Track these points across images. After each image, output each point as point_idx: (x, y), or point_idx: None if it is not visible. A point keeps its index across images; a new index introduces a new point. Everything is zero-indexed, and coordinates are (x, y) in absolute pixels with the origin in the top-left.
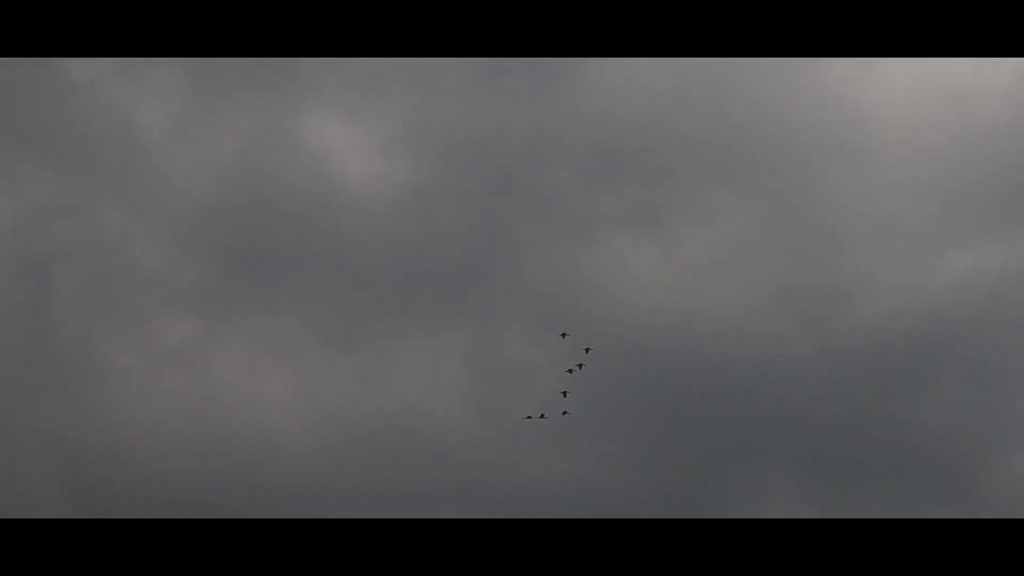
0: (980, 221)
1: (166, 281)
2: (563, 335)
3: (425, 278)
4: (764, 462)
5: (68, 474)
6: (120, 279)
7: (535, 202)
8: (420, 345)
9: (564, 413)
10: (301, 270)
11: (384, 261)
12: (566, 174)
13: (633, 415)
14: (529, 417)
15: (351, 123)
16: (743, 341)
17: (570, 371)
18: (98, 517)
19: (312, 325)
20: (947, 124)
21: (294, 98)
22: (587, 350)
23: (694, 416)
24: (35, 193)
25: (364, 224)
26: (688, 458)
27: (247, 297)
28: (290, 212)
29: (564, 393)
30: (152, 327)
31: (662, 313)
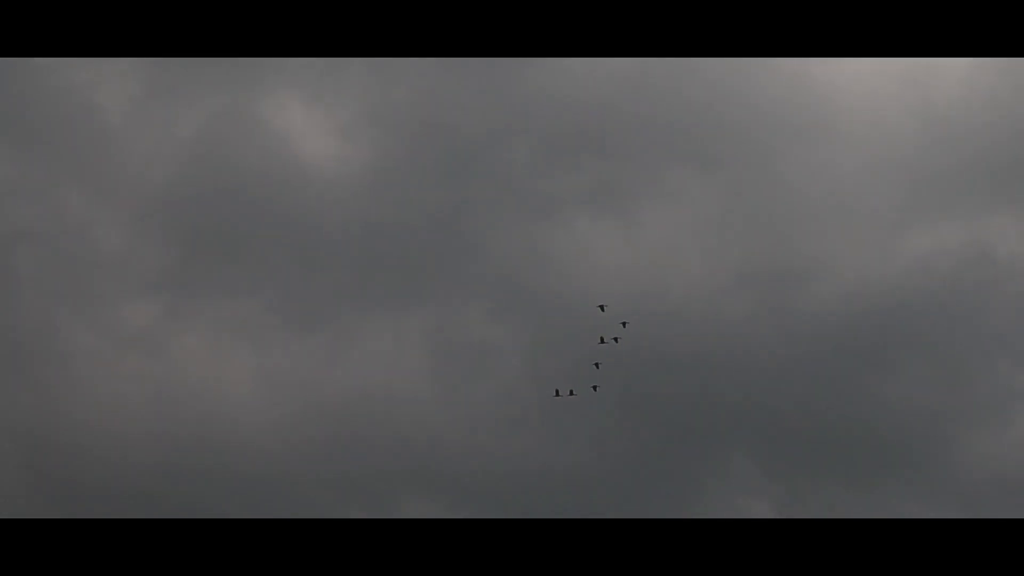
0: (940, 202)
1: (127, 264)
2: (601, 307)
3: (386, 259)
4: (726, 443)
5: (29, 456)
6: (81, 262)
7: (495, 183)
8: (381, 326)
9: (594, 388)
10: (262, 252)
11: (344, 243)
12: (526, 155)
13: (593, 396)
14: (558, 394)
15: (311, 105)
16: (704, 322)
17: (602, 341)
18: (60, 505)
19: (273, 307)
20: (907, 106)
21: (254, 80)
22: (624, 324)
23: (655, 398)
24: None
25: (324, 206)
26: (649, 440)
27: (208, 279)
28: (251, 194)
29: (596, 364)
30: (114, 310)
31: (623, 294)
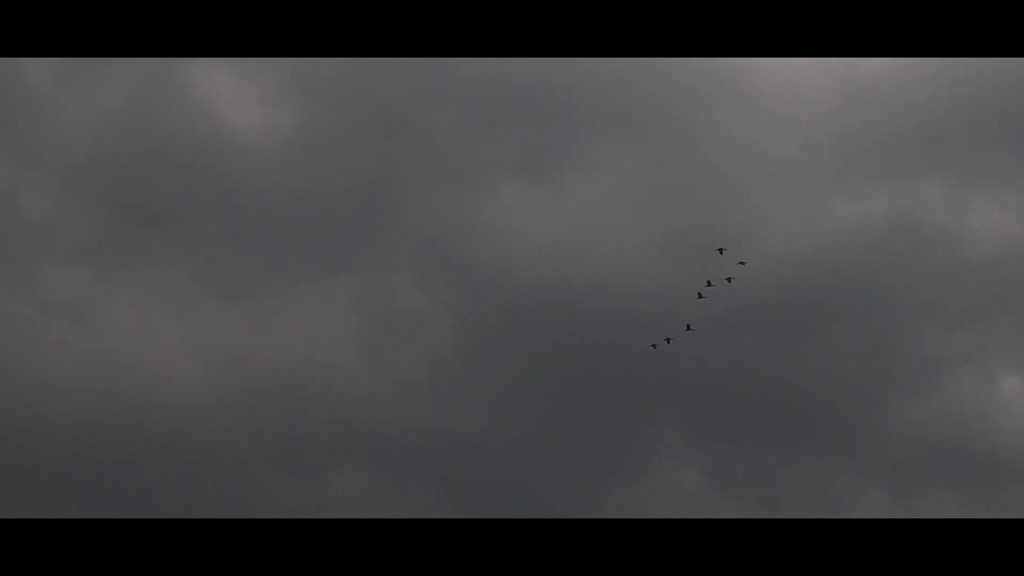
0: (866, 171)
1: (55, 231)
2: (720, 250)
3: (313, 227)
4: (654, 411)
5: None
6: (7, 229)
7: (422, 150)
8: (310, 293)
9: (688, 328)
10: (190, 220)
11: (272, 210)
12: (452, 123)
13: (522, 363)
14: (655, 346)
15: (236, 71)
16: (632, 289)
17: (708, 284)
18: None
19: (202, 275)
20: (831, 75)
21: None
22: (742, 263)
23: (583, 364)
24: None
25: (252, 173)
26: (578, 408)
27: (137, 247)
28: (178, 161)
29: (699, 294)
30: (41, 278)
31: (551, 260)
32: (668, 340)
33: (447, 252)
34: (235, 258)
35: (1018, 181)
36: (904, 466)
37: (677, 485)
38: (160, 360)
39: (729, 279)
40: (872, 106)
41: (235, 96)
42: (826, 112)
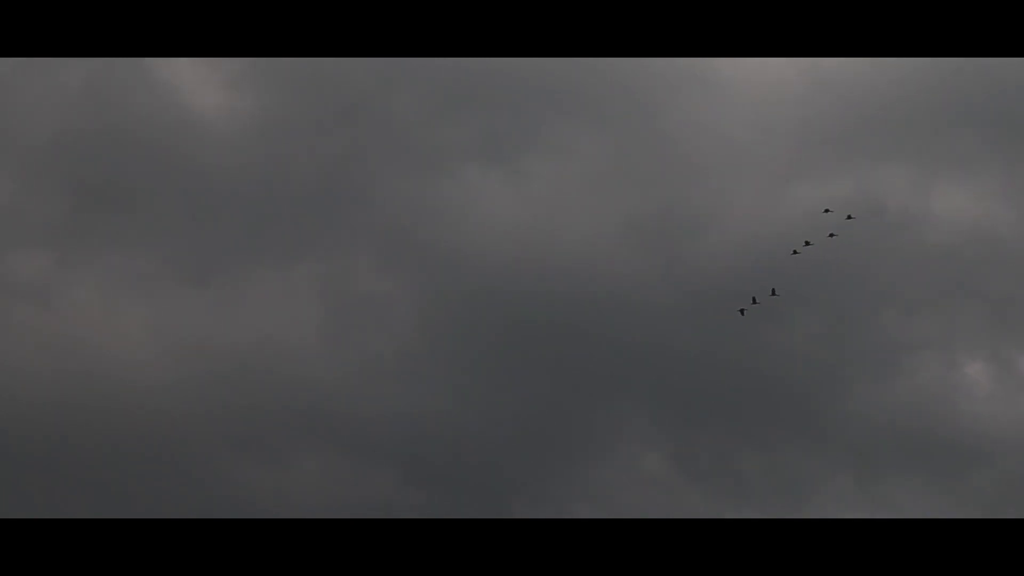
0: (829, 155)
1: (17, 214)
2: (826, 210)
3: (276, 211)
4: (618, 395)
5: None
6: None
7: (384, 134)
8: (273, 277)
9: (773, 293)
10: (153, 204)
11: (234, 194)
12: (414, 106)
13: (486, 346)
14: (743, 310)
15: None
16: (595, 274)
17: (807, 244)
18: None
19: (166, 259)
20: (796, 62)
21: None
22: (850, 216)
23: (548, 349)
24: None
25: (214, 157)
26: (542, 391)
27: (100, 231)
28: (141, 145)
29: (797, 250)
30: (3, 261)
31: (514, 245)
32: (754, 300)
33: (410, 236)
34: (198, 242)
35: (982, 166)
36: (867, 450)
37: (642, 469)
38: (123, 343)
39: (832, 235)
40: (836, 91)
41: (198, 80)
42: (790, 97)
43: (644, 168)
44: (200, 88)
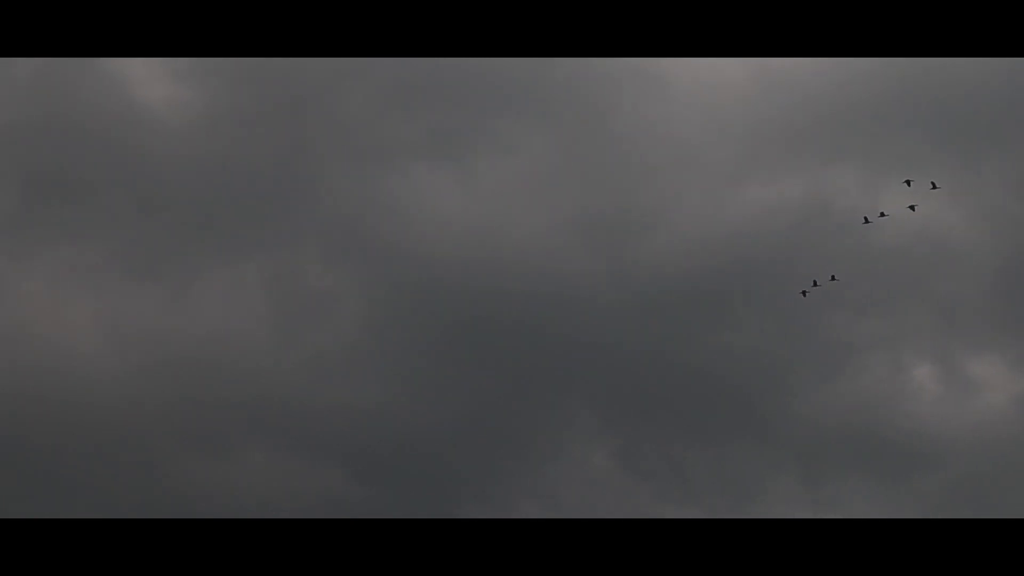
0: (780, 154)
1: None
2: (907, 182)
3: (224, 205)
4: (566, 393)
5: None
6: None
7: (332, 128)
8: (220, 272)
9: (832, 278)
10: (102, 197)
11: (183, 188)
12: (362, 101)
13: (433, 343)
14: (805, 292)
15: None
16: (543, 271)
17: (866, 220)
18: None
19: (113, 253)
20: (746, 62)
21: None
22: (934, 185)
23: (495, 346)
24: None
25: (163, 151)
26: (489, 389)
27: (48, 223)
28: (89, 137)
29: (832, 277)
30: None
31: (462, 242)
32: (815, 283)
33: (357, 232)
34: (146, 235)
35: (930, 168)
36: (813, 450)
37: (589, 466)
38: (71, 336)
39: (882, 213)
40: (786, 92)
41: (147, 73)
42: (740, 97)
43: (593, 167)
44: (149, 81)
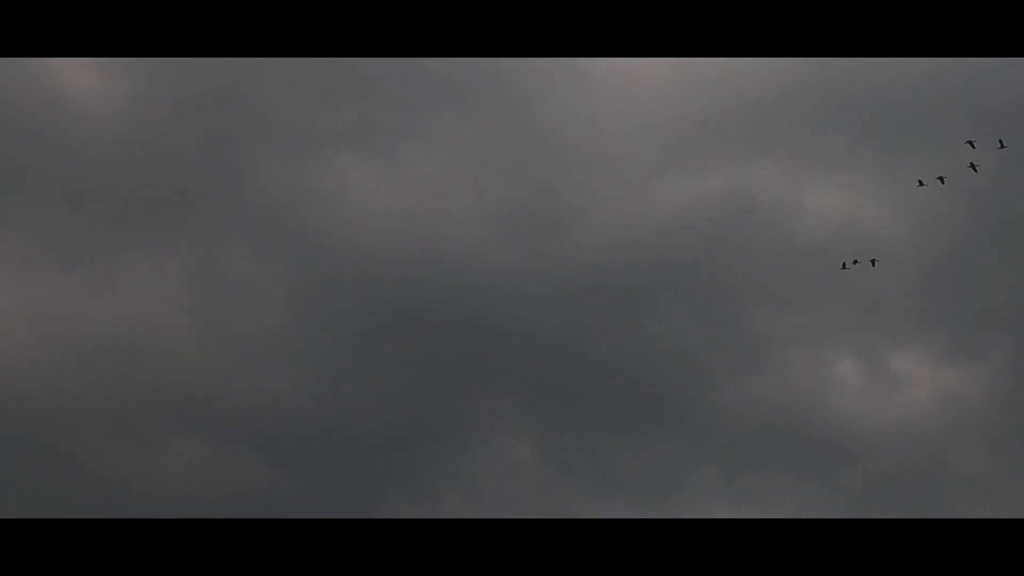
0: (704, 147)
1: None
2: (971, 144)
3: (148, 194)
4: (488, 385)
5: None
6: None
7: (256, 118)
8: (144, 262)
9: (873, 262)
10: (24, 184)
11: (107, 176)
12: (286, 91)
13: (358, 335)
14: (845, 265)
15: None
16: (467, 263)
17: (921, 183)
18: None
19: (36, 241)
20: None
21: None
22: (1002, 144)
23: (419, 337)
24: None
25: (86, 139)
26: (411, 381)
27: None
28: (12, 125)
29: (853, 262)
30: None
31: (386, 234)
32: (856, 261)
33: (282, 222)
34: (69, 224)
35: (853, 164)
36: (734, 443)
37: (511, 459)
38: None
39: (941, 179)
40: (711, 87)
41: (69, 60)
42: (664, 92)
43: (518, 160)
44: (72, 69)
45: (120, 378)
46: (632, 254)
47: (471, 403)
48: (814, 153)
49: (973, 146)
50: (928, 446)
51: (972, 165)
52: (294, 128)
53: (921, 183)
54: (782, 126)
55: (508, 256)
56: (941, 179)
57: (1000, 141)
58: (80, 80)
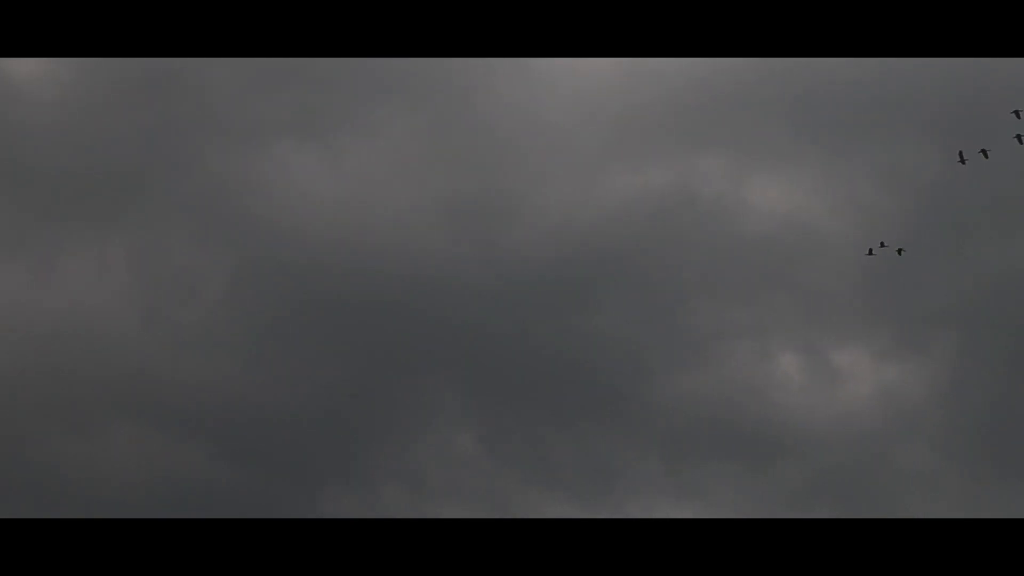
0: (647, 141)
1: None
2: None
3: (90, 181)
4: (431, 377)
5: None
6: None
7: (198, 105)
8: (84, 248)
9: (899, 251)
10: None
11: (47, 162)
12: (227, 78)
13: (300, 323)
14: (871, 250)
15: None
16: (410, 253)
17: (962, 160)
18: None
19: None
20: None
21: None
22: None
23: (361, 326)
24: None
25: (28, 125)
26: (355, 372)
27: None
28: None
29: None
30: None
31: (328, 222)
32: (882, 244)
33: (223, 209)
34: (8, 209)
35: (796, 158)
36: (676, 437)
37: (454, 450)
38: None
39: (961, 155)
40: (653, 79)
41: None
42: (607, 83)
43: (459, 150)
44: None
45: (59, 364)
46: (575, 246)
47: (413, 393)
48: (756, 148)
49: (1019, 116)
50: (869, 441)
51: (1018, 137)
52: (236, 115)
53: (962, 159)
54: (724, 121)
55: (451, 247)
56: (984, 152)
57: (984, 151)
58: (22, 65)
